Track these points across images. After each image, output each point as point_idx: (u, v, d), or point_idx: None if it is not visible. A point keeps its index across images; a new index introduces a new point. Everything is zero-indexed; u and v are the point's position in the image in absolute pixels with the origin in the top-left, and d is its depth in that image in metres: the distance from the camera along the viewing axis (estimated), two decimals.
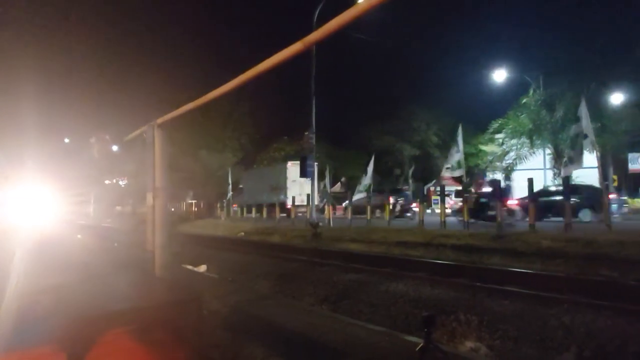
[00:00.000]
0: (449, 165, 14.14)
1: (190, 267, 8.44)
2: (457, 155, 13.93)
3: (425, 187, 28.27)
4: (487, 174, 29.88)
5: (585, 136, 10.62)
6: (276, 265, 8.89)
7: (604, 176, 10.40)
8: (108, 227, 22.02)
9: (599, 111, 19.73)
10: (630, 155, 27.14)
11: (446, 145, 35.61)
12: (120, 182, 42.86)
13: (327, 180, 19.70)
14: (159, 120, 3.99)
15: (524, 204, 13.49)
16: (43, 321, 3.00)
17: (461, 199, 14.90)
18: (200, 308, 3.11)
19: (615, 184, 25.10)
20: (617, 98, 23.79)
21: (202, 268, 8.50)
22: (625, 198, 20.59)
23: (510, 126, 23.76)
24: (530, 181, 11.28)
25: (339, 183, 33.26)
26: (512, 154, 24.25)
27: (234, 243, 13.69)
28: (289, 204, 21.78)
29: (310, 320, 3.88)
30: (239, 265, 9.23)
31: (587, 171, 23.39)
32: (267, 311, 4.31)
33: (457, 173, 13.98)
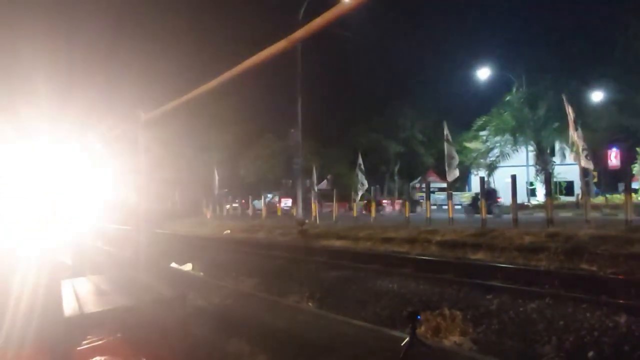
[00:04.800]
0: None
1: (175, 265, 8.39)
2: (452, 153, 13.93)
3: (411, 184, 28.51)
4: (472, 171, 30.26)
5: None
6: (262, 263, 8.89)
7: (584, 172, 10.64)
8: (92, 227, 21.66)
9: (579, 109, 20.12)
10: (610, 152, 27.77)
11: (431, 143, 35.96)
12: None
13: (314, 177, 19.69)
14: (143, 118, 3.95)
15: None
16: (26, 322, 2.96)
17: None
18: (186, 306, 3.10)
19: (595, 180, 25.66)
20: (597, 96, 24.31)
21: (188, 266, 8.44)
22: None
23: (494, 123, 24.07)
24: (514, 178, 11.49)
25: (325, 180, 33.29)
26: (495, 151, 24.57)
27: (219, 241, 13.62)
28: None
29: (296, 317, 3.90)
30: (225, 263, 9.20)
31: (568, 167, 23.87)
32: (253, 308, 4.32)
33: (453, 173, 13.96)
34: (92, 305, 2.65)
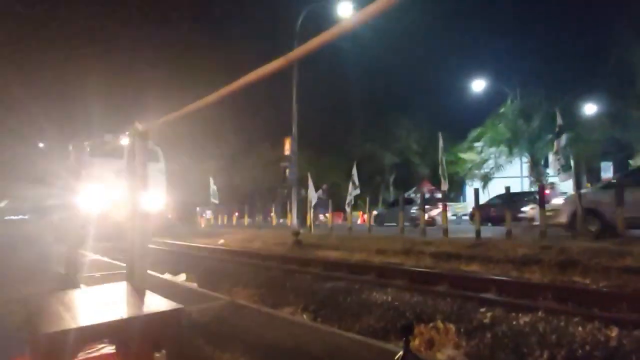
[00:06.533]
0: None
1: (168, 276, 8.34)
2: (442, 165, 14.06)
3: (406, 195, 28.56)
4: (467, 182, 30.40)
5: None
6: (256, 274, 8.87)
7: (577, 185, 10.76)
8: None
9: (573, 121, 20.39)
10: (603, 164, 28.03)
11: (426, 153, 36.15)
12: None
13: (310, 187, 19.74)
14: (140, 128, 3.97)
15: None
16: (17, 333, 2.94)
17: None
18: (180, 318, 3.10)
19: None
20: (590, 108, 24.64)
21: (182, 277, 8.40)
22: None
23: (489, 135, 24.30)
24: (508, 189, 11.61)
25: (320, 190, 33.31)
26: (490, 162, 24.76)
27: (213, 251, 13.58)
28: None
29: (290, 330, 3.90)
30: (218, 273, 9.17)
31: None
32: (247, 320, 4.31)
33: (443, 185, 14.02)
34: (84, 318, 2.65)
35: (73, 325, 2.52)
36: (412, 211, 20.78)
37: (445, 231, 12.34)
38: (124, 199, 3.74)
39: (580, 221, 10.11)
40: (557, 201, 12.92)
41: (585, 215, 10.27)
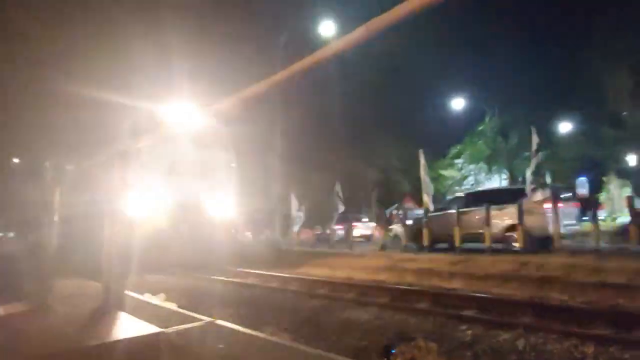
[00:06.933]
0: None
1: (148, 295, 8.16)
2: (425, 182, 14.22)
3: (387, 211, 28.76)
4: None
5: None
6: (236, 292, 8.76)
7: (553, 202, 10.97)
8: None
9: (549, 139, 20.99)
10: (578, 181, 28.77)
11: (408, 170, 36.53)
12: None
13: (293, 204, 19.71)
14: (122, 148, 3.95)
15: None
16: None
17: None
18: (158, 342, 3.04)
19: None
20: (565, 127, 25.42)
21: (161, 297, 8.23)
22: None
23: (468, 152, 24.79)
24: (488, 206, 11.77)
25: (302, 207, 33.24)
26: (470, 178, 25.20)
27: (193, 269, 13.34)
28: None
29: (271, 350, 3.85)
30: (198, 292, 9.02)
31: None
32: (227, 341, 4.24)
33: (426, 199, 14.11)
34: (57, 343, 2.58)
35: (44, 351, 2.45)
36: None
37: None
38: (178, 204, 3.65)
39: (412, 236, 13.21)
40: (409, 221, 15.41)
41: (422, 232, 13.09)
